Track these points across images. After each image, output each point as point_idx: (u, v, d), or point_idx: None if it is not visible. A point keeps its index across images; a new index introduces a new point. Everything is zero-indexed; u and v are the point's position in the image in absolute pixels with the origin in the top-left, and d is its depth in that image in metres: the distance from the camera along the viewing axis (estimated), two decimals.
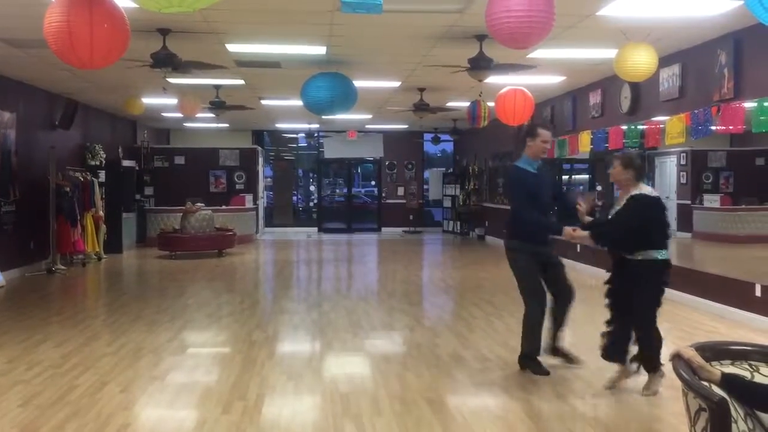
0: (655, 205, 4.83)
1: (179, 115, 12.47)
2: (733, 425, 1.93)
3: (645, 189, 4.86)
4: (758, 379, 2.13)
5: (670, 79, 8.75)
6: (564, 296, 5.54)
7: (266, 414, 4.53)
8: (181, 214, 14.12)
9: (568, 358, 5.56)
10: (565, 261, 12.60)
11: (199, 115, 11.88)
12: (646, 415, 4.50)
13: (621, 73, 7.29)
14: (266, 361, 5.82)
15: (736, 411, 1.97)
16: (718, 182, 14.97)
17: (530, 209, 5.36)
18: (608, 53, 7.78)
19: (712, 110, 7.72)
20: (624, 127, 10.01)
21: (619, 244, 4.82)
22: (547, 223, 5.48)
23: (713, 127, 7.89)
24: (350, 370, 5.68)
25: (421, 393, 4.92)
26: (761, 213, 14.07)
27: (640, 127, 9.78)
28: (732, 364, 2.15)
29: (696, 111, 7.96)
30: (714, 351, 2.19)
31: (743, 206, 14.08)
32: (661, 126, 9.05)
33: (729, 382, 2.03)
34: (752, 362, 2.17)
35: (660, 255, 4.73)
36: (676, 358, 2.11)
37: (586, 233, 5.01)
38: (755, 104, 7.06)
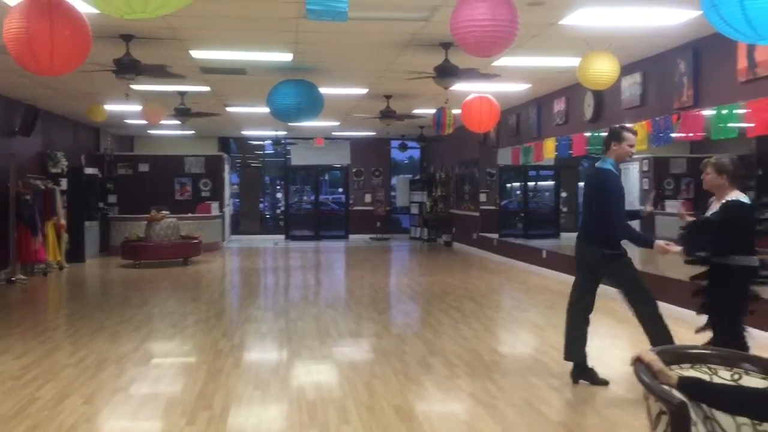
0: (748, 211, 4.66)
1: (143, 122, 12.33)
2: (693, 428, 1.96)
3: (740, 195, 4.59)
4: (717, 381, 2.18)
5: (631, 87, 8.91)
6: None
7: (232, 424, 4.48)
8: (146, 222, 13.94)
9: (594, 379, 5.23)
10: (531, 267, 12.81)
11: (163, 122, 11.76)
12: (610, 419, 4.55)
13: (584, 81, 7.40)
14: (232, 371, 5.76)
15: (696, 414, 2.01)
16: (680, 188, 15.28)
17: (624, 218, 5.13)
18: (571, 62, 7.89)
19: (672, 118, 7.88)
20: (587, 134, 10.16)
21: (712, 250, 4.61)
22: (638, 235, 5.17)
23: (674, 135, 8.05)
24: (317, 379, 5.65)
25: (389, 400, 4.92)
26: None
27: (603, 134, 9.92)
28: (692, 367, 2.20)
29: (657, 119, 8.12)
30: (674, 355, 2.23)
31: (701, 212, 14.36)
32: None
33: (685, 385, 2.07)
34: (711, 365, 2.22)
35: (748, 261, 4.54)
36: (637, 362, 2.15)
37: (679, 248, 4.75)
38: (714, 112, 7.22)
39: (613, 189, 5.10)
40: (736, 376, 2.19)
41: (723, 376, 2.19)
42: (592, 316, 5.36)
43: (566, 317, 5.42)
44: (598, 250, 5.17)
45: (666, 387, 2.03)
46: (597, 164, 5.38)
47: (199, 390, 5.18)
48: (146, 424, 4.56)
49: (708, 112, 7.42)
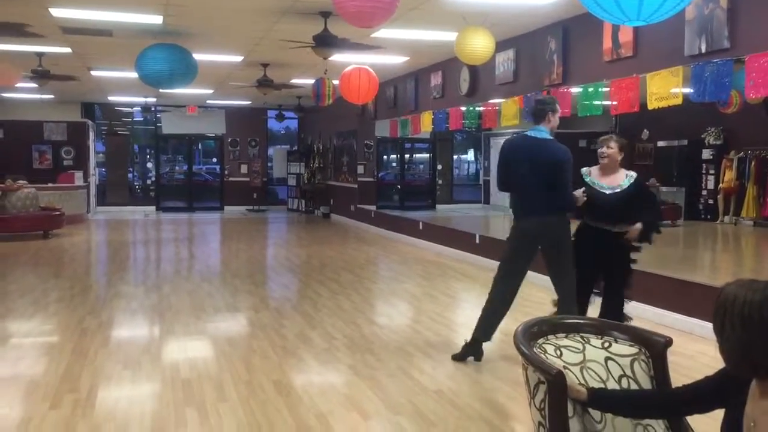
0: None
1: None
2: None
3: (631, 172, 5.12)
4: (589, 350, 2.28)
5: (505, 63, 9.16)
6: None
7: (100, 406, 4.25)
8: (0, 192, 12.95)
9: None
10: (408, 239, 13.02)
11: (19, 84, 10.92)
12: (485, 385, 4.71)
13: (461, 55, 7.52)
14: (100, 350, 5.47)
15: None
16: None
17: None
18: (449, 36, 7.99)
19: (542, 94, 8.18)
20: (463, 108, 10.38)
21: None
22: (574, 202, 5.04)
23: None
24: (192, 355, 5.47)
25: (268, 375, 4.85)
26: None
27: (478, 108, 10.19)
28: (566, 336, 2.29)
29: (528, 94, 8.40)
30: (550, 325, 2.31)
31: None
32: (496, 108, 9.48)
33: (594, 399, 2.13)
34: (583, 334, 2.32)
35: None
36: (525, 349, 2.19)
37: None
38: (581, 89, 7.56)
39: (571, 161, 4.94)
40: (606, 344, 2.30)
41: (594, 344, 2.29)
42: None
43: (500, 305, 5.11)
44: (561, 219, 4.98)
45: (544, 358, 2.10)
46: (532, 133, 5.03)
47: (64, 371, 4.88)
48: (4, 410, 4.23)
49: (575, 90, 7.76)
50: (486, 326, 5.14)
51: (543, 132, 5.02)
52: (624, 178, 5.07)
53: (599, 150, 5.11)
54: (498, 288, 5.19)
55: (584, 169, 5.20)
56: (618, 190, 5.04)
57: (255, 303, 7.38)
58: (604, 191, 5.03)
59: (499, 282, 5.20)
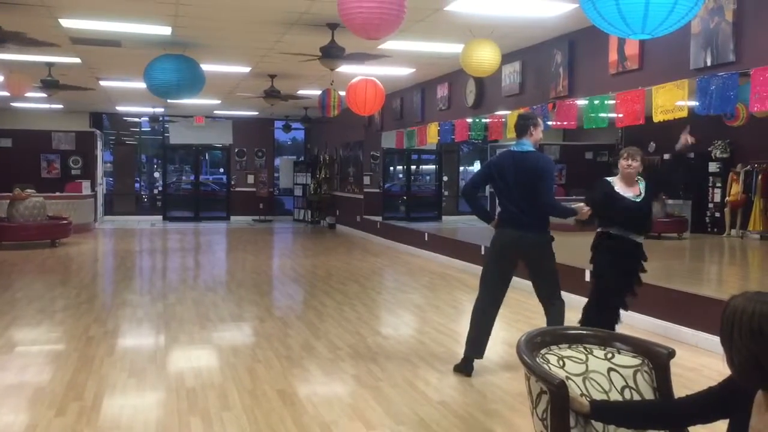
0: None
1: (6, 93, 11.48)
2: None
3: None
4: (592, 361, 2.28)
5: (511, 75, 9.19)
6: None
7: (105, 414, 4.27)
8: (8, 201, 13.03)
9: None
10: (413, 250, 13.02)
11: (29, 94, 11.01)
12: (488, 396, 4.70)
13: (467, 67, 7.56)
14: (105, 358, 5.49)
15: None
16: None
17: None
18: (455, 48, 8.04)
19: (548, 106, 8.21)
20: (469, 120, 10.41)
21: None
22: (564, 208, 5.18)
23: (549, 123, 8.40)
24: (197, 364, 5.48)
25: (272, 385, 4.86)
26: None
27: (484, 120, 10.22)
28: (569, 347, 2.29)
29: (534, 107, 8.42)
30: (553, 335, 2.32)
31: (573, 197, 15.18)
32: (503, 120, 9.50)
33: (596, 411, 2.13)
34: (586, 345, 2.33)
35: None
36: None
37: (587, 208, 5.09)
38: (586, 102, 7.58)
39: (552, 169, 5.16)
40: (609, 355, 2.31)
41: (597, 355, 2.30)
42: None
43: (481, 316, 5.16)
44: (541, 236, 5.06)
45: (547, 368, 2.11)
46: (516, 148, 5.16)
47: (69, 379, 4.90)
48: (9, 417, 4.25)
49: (581, 102, 7.77)
50: (475, 342, 5.13)
51: (526, 145, 5.15)
52: (638, 185, 5.17)
53: (625, 162, 5.13)
54: (479, 300, 5.21)
55: (610, 179, 5.24)
56: (640, 197, 5.12)
57: (260, 313, 7.39)
58: (633, 201, 5.09)
59: (480, 294, 5.24)
